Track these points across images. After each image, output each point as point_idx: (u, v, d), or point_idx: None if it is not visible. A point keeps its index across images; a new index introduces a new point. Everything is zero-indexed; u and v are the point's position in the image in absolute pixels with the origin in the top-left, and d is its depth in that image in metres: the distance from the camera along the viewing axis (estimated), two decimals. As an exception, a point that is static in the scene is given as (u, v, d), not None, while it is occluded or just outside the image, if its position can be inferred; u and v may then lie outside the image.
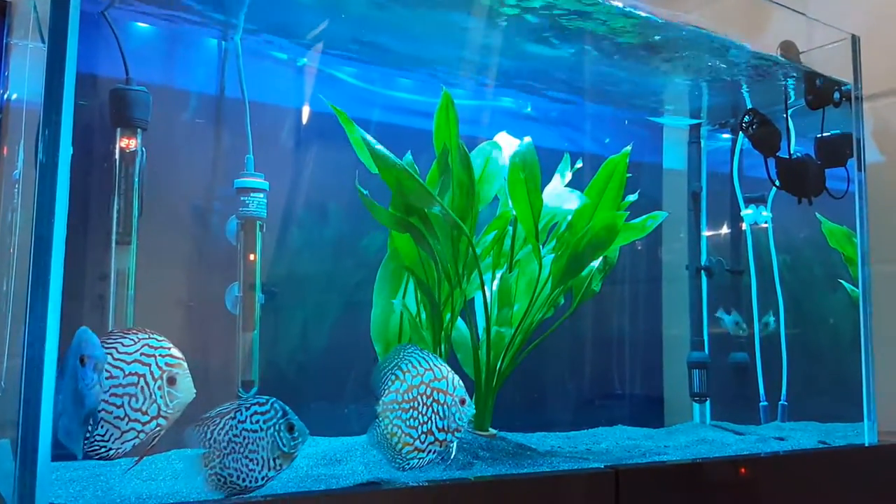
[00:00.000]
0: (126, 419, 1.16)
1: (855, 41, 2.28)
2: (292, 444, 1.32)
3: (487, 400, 1.85)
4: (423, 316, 1.87)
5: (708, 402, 2.59)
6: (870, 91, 2.36)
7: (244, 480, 1.29)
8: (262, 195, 1.87)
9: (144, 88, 1.75)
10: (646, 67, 2.25)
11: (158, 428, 1.18)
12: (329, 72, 2.14)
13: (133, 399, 1.16)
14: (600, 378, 2.53)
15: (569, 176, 2.00)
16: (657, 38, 2.05)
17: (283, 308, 1.99)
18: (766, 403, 2.58)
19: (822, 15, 2.28)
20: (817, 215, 2.53)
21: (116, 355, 1.17)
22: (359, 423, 1.61)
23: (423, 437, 1.43)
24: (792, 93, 2.39)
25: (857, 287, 2.24)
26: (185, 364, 1.21)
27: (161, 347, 1.19)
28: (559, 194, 1.92)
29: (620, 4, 1.86)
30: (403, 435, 1.43)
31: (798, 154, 2.38)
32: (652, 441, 2.10)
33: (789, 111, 2.39)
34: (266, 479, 1.30)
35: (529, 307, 1.91)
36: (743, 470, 1.81)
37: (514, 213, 1.82)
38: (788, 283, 2.66)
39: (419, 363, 1.46)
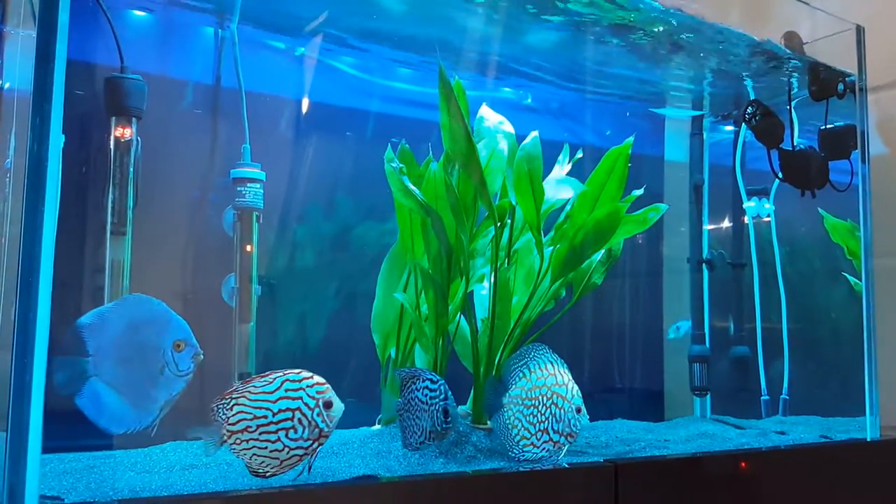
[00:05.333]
0: (286, 450, 1.29)
1: (860, 32, 2.25)
2: (445, 426, 1.50)
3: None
4: (425, 308, 1.85)
5: (709, 396, 2.58)
6: (874, 82, 2.34)
7: (410, 437, 1.54)
8: (258, 186, 1.85)
9: (140, 77, 1.73)
10: (648, 57, 2.23)
11: (319, 445, 1.31)
12: (328, 62, 2.12)
13: (291, 431, 1.29)
14: (600, 371, 2.52)
15: (568, 166, 1.98)
16: (660, 27, 2.03)
17: (280, 300, 1.97)
18: (767, 397, 2.57)
19: (826, 5, 2.25)
20: (819, 211, 2.51)
21: (252, 397, 1.28)
22: (356, 416, 1.60)
23: (539, 434, 1.56)
24: (795, 84, 2.37)
25: (861, 280, 2.22)
26: (329, 386, 1.33)
27: (305, 379, 1.31)
28: (555, 182, 1.91)
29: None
30: (522, 429, 1.57)
31: (801, 146, 2.36)
32: (652, 435, 2.08)
33: (793, 103, 2.37)
34: (424, 445, 1.53)
35: (529, 299, 1.90)
36: (744, 464, 1.79)
37: (517, 205, 1.80)
38: (790, 277, 2.64)
39: (546, 366, 1.59)
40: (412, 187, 1.72)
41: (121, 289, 1.67)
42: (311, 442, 1.30)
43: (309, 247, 2.05)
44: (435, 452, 1.58)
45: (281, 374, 1.31)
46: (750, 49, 2.20)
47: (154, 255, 1.80)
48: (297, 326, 2.02)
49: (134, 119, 1.72)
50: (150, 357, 1.31)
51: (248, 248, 1.85)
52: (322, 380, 1.33)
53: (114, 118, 1.71)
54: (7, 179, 1.33)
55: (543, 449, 1.56)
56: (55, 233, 1.11)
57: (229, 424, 1.27)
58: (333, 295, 2.08)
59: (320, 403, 1.30)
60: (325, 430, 1.31)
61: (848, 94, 2.28)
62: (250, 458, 1.28)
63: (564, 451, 1.58)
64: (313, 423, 1.30)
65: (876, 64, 2.28)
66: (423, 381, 1.54)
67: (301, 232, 2.04)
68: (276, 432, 1.28)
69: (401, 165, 1.74)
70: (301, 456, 1.30)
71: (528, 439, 1.57)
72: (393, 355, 1.88)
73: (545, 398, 1.56)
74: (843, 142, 2.33)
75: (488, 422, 1.70)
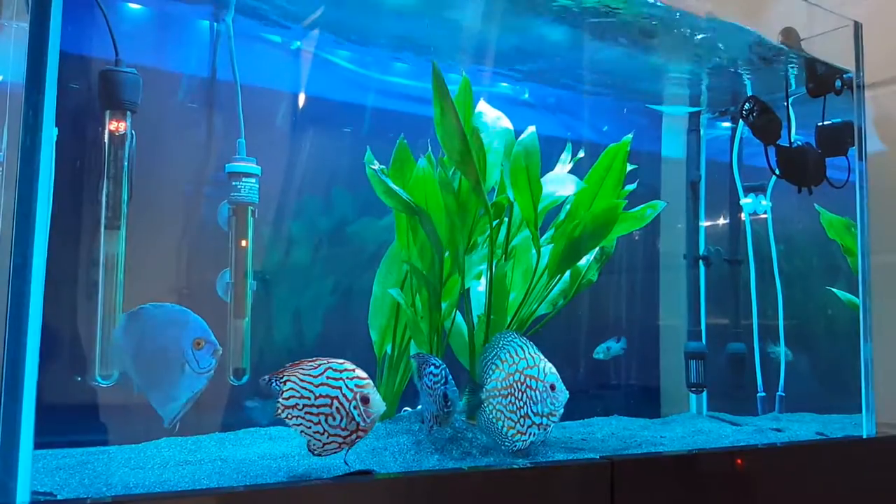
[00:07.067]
0: (325, 434, 1.34)
1: (857, 28, 2.25)
2: (446, 410, 1.51)
3: (482, 389, 1.84)
4: (420, 305, 1.84)
5: (705, 393, 2.58)
6: (872, 79, 2.33)
7: (426, 422, 1.56)
8: (254, 180, 1.84)
9: (134, 70, 1.72)
10: (645, 53, 2.22)
11: (358, 438, 1.35)
12: (324, 56, 2.10)
13: (329, 418, 1.33)
14: (596, 368, 2.52)
15: (569, 165, 1.98)
16: (658, 23, 2.03)
17: (275, 295, 1.96)
18: (763, 394, 2.57)
19: (824, 1, 2.25)
20: (816, 206, 2.50)
21: (301, 377, 1.34)
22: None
23: (522, 420, 1.56)
24: (793, 80, 2.36)
25: (852, 282, 2.22)
26: (371, 382, 1.36)
27: (346, 370, 1.35)
28: (556, 178, 1.90)
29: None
30: (505, 419, 1.57)
31: (798, 142, 2.35)
32: (648, 432, 2.08)
33: (790, 99, 2.36)
34: (434, 430, 1.55)
35: (526, 296, 1.89)
36: (739, 461, 1.79)
37: (514, 201, 1.79)
38: (787, 273, 2.63)
39: (515, 352, 1.59)
40: (395, 188, 1.71)
41: (115, 283, 1.66)
42: (348, 433, 1.34)
43: (304, 242, 2.04)
44: (431, 449, 1.58)
45: (326, 361, 1.35)
46: (748, 45, 2.19)
47: (149, 250, 1.79)
48: (293, 322, 2.01)
49: (128, 113, 1.71)
50: (172, 357, 1.35)
51: (244, 242, 1.84)
52: (364, 375, 1.36)
53: (108, 112, 1.70)
54: (-1, 173, 1.32)
55: (531, 434, 1.56)
56: (48, 227, 1.10)
57: (283, 398, 1.33)
58: (329, 290, 2.07)
59: (357, 397, 1.33)
60: (363, 424, 1.34)
61: (845, 91, 2.28)
62: (301, 433, 1.34)
63: (551, 430, 1.58)
64: (350, 414, 1.33)
65: (874, 60, 2.28)
66: (429, 366, 1.57)
67: (296, 227, 2.03)
68: (317, 415, 1.33)
69: (382, 167, 1.74)
70: (340, 444, 1.34)
71: (514, 428, 1.57)
72: (389, 351, 1.88)
73: (519, 384, 1.57)
74: (840, 138, 2.33)
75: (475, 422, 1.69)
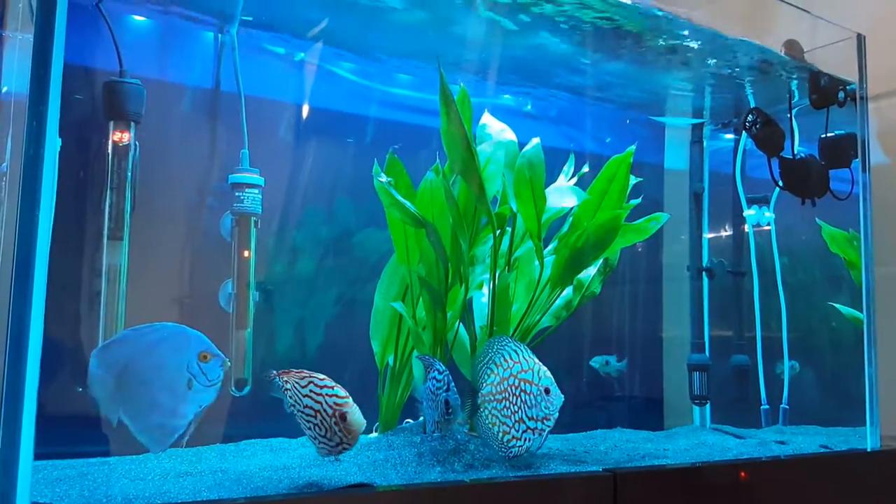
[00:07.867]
0: (317, 440, 1.39)
1: (860, 40, 2.25)
2: (447, 417, 1.52)
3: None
4: (423, 315, 1.84)
5: (708, 405, 2.56)
6: (875, 91, 2.33)
7: (428, 426, 1.58)
8: (257, 191, 1.85)
9: (138, 81, 1.72)
10: (649, 65, 2.22)
11: (344, 449, 1.38)
12: (327, 67, 2.11)
13: (317, 427, 1.38)
14: (599, 379, 2.51)
15: (574, 179, 1.98)
16: (661, 35, 2.03)
17: (277, 306, 1.96)
18: (767, 407, 2.55)
19: (827, 13, 2.25)
20: (817, 220, 2.50)
21: (293, 384, 1.39)
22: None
23: (517, 425, 1.55)
24: (796, 92, 2.36)
25: (856, 293, 2.21)
26: (350, 398, 1.38)
27: (325, 387, 1.38)
28: (559, 190, 1.90)
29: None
30: (501, 424, 1.55)
31: (801, 154, 2.35)
32: (651, 444, 2.07)
33: (793, 111, 2.36)
34: (435, 434, 1.58)
35: (529, 308, 1.89)
36: (743, 474, 1.78)
37: (517, 212, 1.79)
38: (790, 286, 2.63)
39: (510, 356, 1.57)
40: (403, 200, 1.71)
41: (118, 294, 1.66)
42: (333, 444, 1.38)
43: (307, 253, 2.04)
44: (432, 461, 1.57)
45: (309, 375, 1.39)
46: (751, 57, 2.19)
47: (151, 261, 1.79)
48: (295, 333, 2.01)
49: (132, 123, 1.71)
50: (173, 375, 1.33)
51: (246, 253, 1.84)
52: (343, 393, 1.38)
53: (112, 122, 1.71)
54: (3, 183, 1.32)
55: (526, 439, 1.55)
56: (50, 237, 1.10)
57: (289, 397, 1.39)
58: (331, 301, 2.07)
59: (336, 414, 1.36)
60: (344, 438, 1.37)
61: (848, 103, 2.28)
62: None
63: (546, 434, 1.56)
64: (332, 429, 1.36)
65: (877, 72, 2.28)
66: (433, 370, 1.57)
67: (299, 238, 2.03)
68: (307, 421, 1.38)
69: (389, 179, 1.73)
70: (329, 451, 1.38)
71: (510, 433, 1.55)
72: (391, 363, 1.87)
73: (513, 388, 1.55)
74: (843, 150, 2.33)
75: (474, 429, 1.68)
